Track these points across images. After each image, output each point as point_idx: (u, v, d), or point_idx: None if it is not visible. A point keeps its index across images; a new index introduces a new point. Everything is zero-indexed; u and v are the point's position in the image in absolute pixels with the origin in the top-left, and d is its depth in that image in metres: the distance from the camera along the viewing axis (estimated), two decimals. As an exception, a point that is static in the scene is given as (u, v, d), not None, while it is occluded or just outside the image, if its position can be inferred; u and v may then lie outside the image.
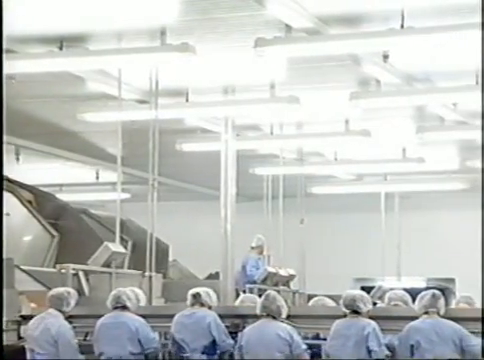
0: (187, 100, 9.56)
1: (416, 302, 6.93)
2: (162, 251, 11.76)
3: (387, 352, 6.80)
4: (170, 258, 12.46)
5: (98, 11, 7.05)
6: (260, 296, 7.49)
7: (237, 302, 8.33)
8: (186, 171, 14.21)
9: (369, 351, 6.77)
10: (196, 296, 7.33)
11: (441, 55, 8.08)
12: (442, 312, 6.78)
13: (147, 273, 8.44)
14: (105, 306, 7.33)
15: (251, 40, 7.03)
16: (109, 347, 7.20)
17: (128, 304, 7.27)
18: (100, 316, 7.33)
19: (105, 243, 8.61)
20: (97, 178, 14.45)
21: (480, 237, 15.59)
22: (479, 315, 6.88)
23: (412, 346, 6.71)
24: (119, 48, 7.80)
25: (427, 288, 7.29)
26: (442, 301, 6.83)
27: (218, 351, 7.21)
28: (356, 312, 6.89)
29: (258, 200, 12.04)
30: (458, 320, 6.77)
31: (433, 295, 6.82)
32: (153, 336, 7.27)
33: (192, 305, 7.36)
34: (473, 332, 6.73)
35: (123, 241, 11.04)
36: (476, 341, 6.68)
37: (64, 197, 12.60)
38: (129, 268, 9.58)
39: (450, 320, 6.76)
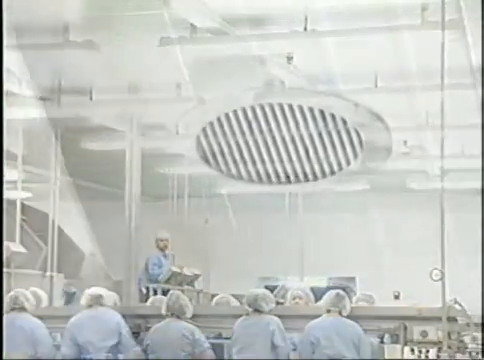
0: (91, 98, 9.44)
1: (322, 300, 7.04)
2: (77, 258, 11.56)
3: (292, 347, 6.88)
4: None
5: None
6: (164, 295, 7.48)
7: (148, 304, 8.30)
8: (91, 170, 14.01)
9: (275, 347, 6.85)
10: (97, 297, 7.24)
11: (343, 57, 8.23)
12: (345, 312, 6.88)
13: (48, 273, 8.31)
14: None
15: (156, 39, 7.00)
16: (5, 350, 7.04)
17: (26, 305, 7.13)
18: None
19: (5, 243, 8.41)
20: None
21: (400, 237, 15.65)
22: (378, 313, 7.04)
23: (312, 343, 6.82)
24: (21, 44, 7.63)
25: (328, 287, 7.42)
26: (345, 301, 6.92)
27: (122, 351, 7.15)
28: (259, 311, 6.94)
29: (163, 200, 11.99)
30: (358, 318, 6.90)
31: (337, 294, 6.93)
32: (49, 340, 7.16)
33: (89, 306, 7.26)
34: (372, 330, 6.88)
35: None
36: (373, 340, 6.84)
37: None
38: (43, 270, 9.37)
39: (350, 318, 6.88)
